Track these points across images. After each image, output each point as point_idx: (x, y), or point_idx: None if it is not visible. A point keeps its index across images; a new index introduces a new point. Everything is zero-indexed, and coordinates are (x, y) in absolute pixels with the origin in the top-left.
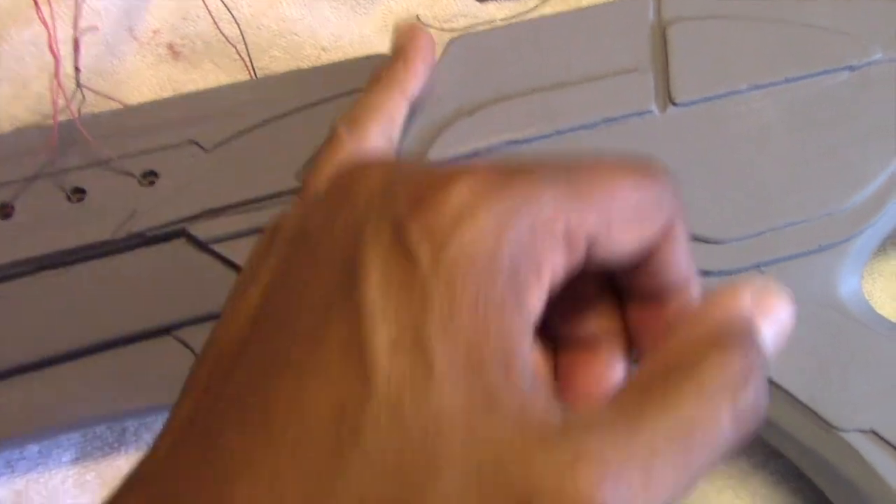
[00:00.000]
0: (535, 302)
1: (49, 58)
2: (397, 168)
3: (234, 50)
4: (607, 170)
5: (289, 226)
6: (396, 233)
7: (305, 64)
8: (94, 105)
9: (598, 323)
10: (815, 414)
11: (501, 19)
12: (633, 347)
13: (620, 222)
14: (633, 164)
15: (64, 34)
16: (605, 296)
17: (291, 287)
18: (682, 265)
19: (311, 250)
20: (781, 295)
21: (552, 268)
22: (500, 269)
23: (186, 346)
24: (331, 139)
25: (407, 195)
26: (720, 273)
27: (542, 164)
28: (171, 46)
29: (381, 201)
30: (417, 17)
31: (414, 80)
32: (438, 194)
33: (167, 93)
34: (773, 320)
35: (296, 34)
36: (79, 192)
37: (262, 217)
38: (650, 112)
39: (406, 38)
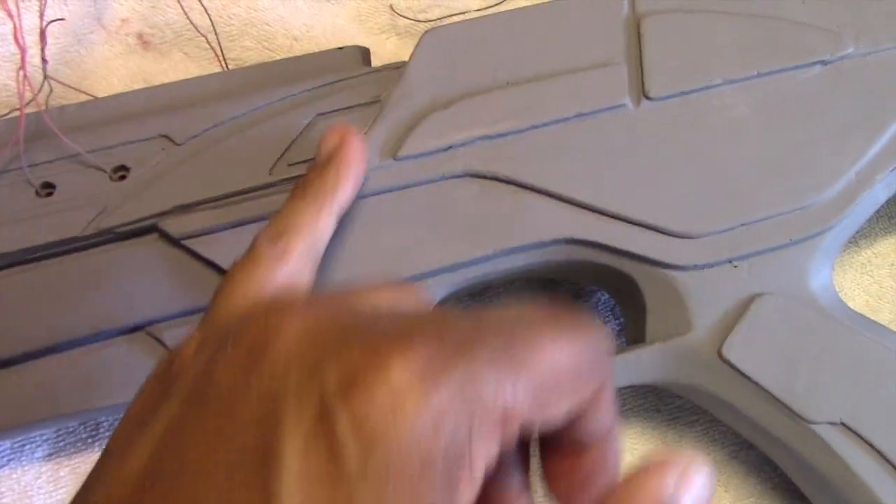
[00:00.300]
0: (469, 498)
1: (13, 48)
2: (322, 320)
3: (204, 40)
4: (549, 339)
5: (191, 370)
6: (322, 418)
7: (277, 54)
8: (62, 97)
9: (517, 479)
10: (786, 406)
11: (476, 10)
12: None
13: (558, 395)
14: (573, 329)
15: (29, 24)
16: (520, 448)
17: (189, 452)
18: (607, 419)
19: (216, 412)
20: (703, 469)
21: (487, 458)
22: (434, 472)
23: (160, 342)
24: (251, 253)
25: (337, 372)
26: (694, 267)
27: (483, 333)
28: (140, 36)
29: (306, 372)
30: (391, 7)
31: (345, 193)
32: (371, 376)
33: (137, 84)
34: (694, 496)
35: (267, 24)
36: (48, 187)
37: (236, 212)
38: (624, 106)
39: (336, 143)
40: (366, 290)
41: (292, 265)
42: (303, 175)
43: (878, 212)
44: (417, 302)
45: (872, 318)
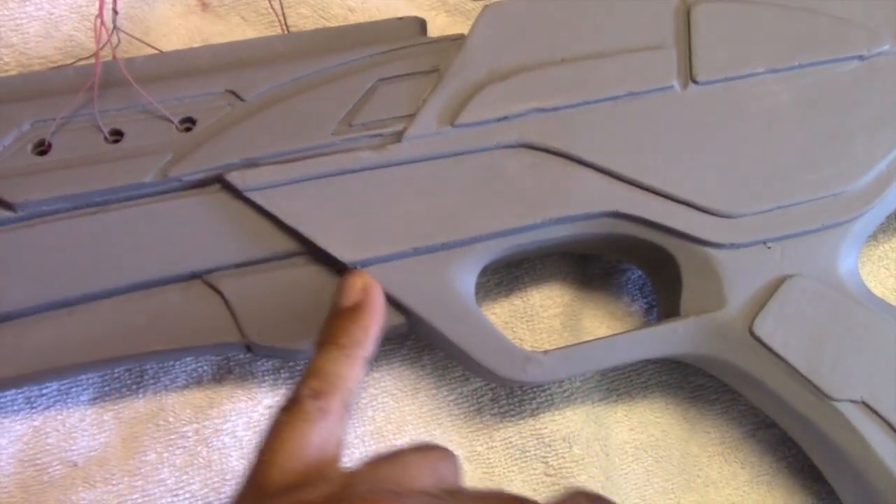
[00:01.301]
0: None
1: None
2: None
3: (262, 5)
4: None
5: None
6: None
7: (333, 23)
8: (127, 50)
9: None
10: (810, 383)
11: None
12: None
13: None
14: None
15: None
16: None
17: None
18: None
19: None
20: None
21: None
22: None
23: (217, 290)
24: (295, 408)
25: None
26: (730, 246)
27: None
28: None
29: None
30: None
31: (373, 343)
32: None
33: (195, 43)
34: None
35: None
36: (116, 134)
37: (298, 169)
38: (672, 88)
39: (359, 294)
40: (407, 463)
41: (331, 421)
42: (332, 319)
43: None
44: (454, 470)
45: None
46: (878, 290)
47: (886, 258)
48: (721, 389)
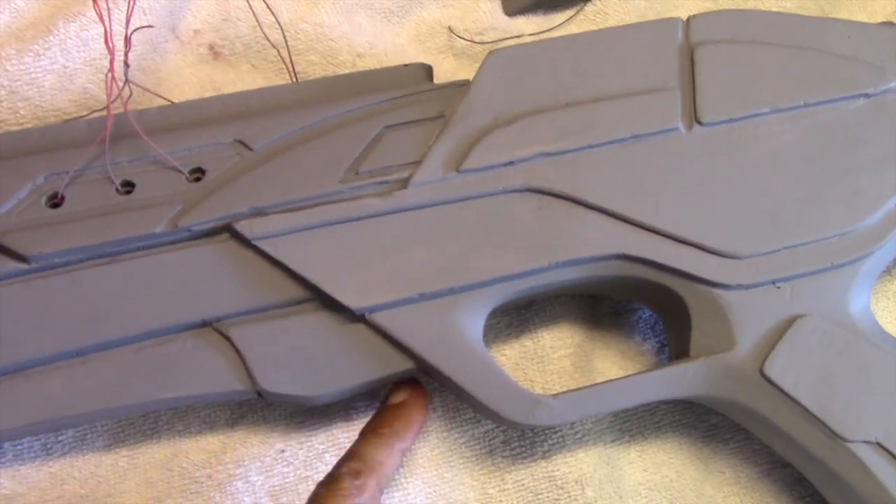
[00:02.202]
0: None
1: (94, 54)
2: None
3: (271, 53)
4: None
5: None
6: None
7: (341, 69)
8: (139, 101)
9: None
10: (823, 424)
11: (530, 34)
12: None
13: None
14: None
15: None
16: None
17: None
18: None
19: None
20: None
21: None
22: None
23: (227, 338)
24: (335, 485)
25: None
26: (738, 287)
27: None
28: (211, 47)
29: None
30: (450, 29)
31: (412, 438)
32: None
33: (207, 92)
34: None
35: (332, 40)
36: (128, 186)
37: (306, 217)
38: (677, 130)
39: (405, 394)
40: None
41: (365, 499)
42: (378, 413)
43: None
44: None
45: None
46: (895, 326)
47: None
48: (735, 429)
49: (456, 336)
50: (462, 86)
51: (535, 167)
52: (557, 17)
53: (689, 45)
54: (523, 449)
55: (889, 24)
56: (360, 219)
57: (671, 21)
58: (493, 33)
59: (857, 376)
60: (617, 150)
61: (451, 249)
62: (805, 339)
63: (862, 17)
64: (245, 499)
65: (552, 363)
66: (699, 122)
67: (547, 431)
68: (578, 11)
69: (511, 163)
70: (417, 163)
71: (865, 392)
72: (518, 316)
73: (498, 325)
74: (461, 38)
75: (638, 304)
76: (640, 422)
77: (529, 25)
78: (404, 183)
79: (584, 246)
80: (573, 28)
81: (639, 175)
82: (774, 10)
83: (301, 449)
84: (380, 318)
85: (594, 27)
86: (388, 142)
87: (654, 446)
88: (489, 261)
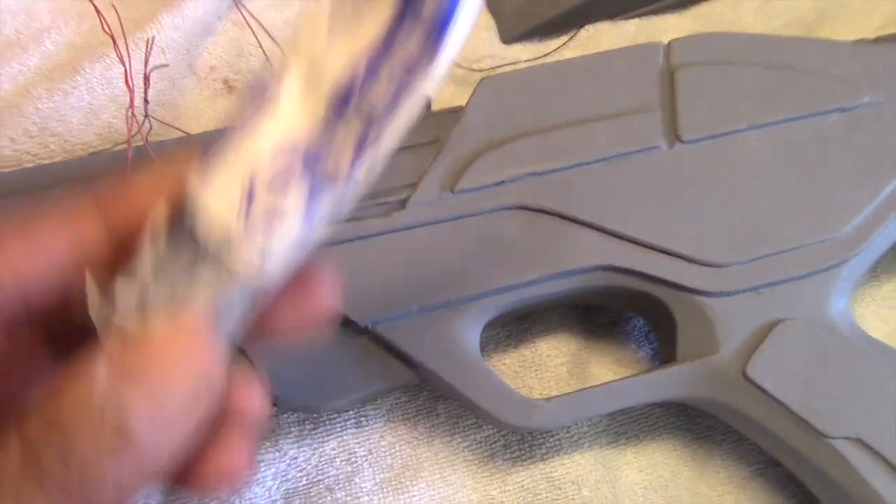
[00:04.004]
0: None
1: (116, 91)
2: None
3: None
4: None
5: None
6: None
7: None
8: (159, 134)
9: None
10: (805, 422)
11: (526, 60)
12: None
13: None
14: None
15: (132, 68)
16: None
17: None
18: None
19: None
20: None
21: None
22: None
23: (241, 350)
24: None
25: None
26: (721, 294)
27: None
28: (226, 81)
29: None
30: None
31: None
32: None
33: (222, 123)
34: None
35: None
36: None
37: None
38: (659, 148)
39: None
40: None
41: None
42: None
43: None
44: None
45: (895, 347)
46: (883, 330)
47: (891, 298)
48: (728, 430)
49: (455, 345)
50: (456, 112)
51: (525, 186)
52: (552, 43)
53: (669, 68)
54: (522, 452)
55: (863, 41)
56: (362, 238)
57: (652, 45)
58: (490, 60)
59: (837, 376)
60: (602, 167)
61: (448, 264)
62: (786, 341)
63: (846, 35)
64: (260, 503)
65: (549, 371)
66: (680, 140)
67: (545, 435)
68: (572, 37)
69: (502, 182)
70: (415, 184)
71: (846, 391)
72: (516, 327)
73: (497, 336)
74: (460, 66)
75: (630, 313)
76: (635, 425)
77: (525, 52)
78: (403, 204)
79: (573, 258)
80: (568, 53)
81: (624, 191)
82: (761, 30)
83: (314, 455)
84: (383, 330)
85: (588, 51)
86: (387, 165)
87: (649, 448)
88: (484, 274)
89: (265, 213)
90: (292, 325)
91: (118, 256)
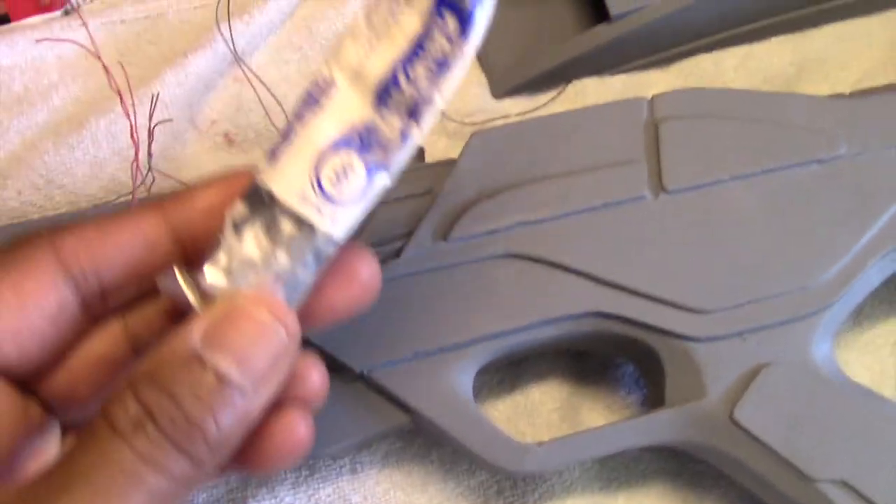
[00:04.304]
0: None
1: (121, 145)
2: None
3: None
4: None
5: None
6: None
7: None
8: (161, 186)
9: None
10: (791, 465)
11: (516, 114)
12: None
13: None
14: None
15: (137, 123)
16: None
17: None
18: None
19: None
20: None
21: None
22: None
23: None
24: None
25: None
26: (707, 339)
27: None
28: (226, 135)
29: None
30: (442, 113)
31: None
32: None
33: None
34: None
35: None
36: None
37: None
38: (644, 198)
39: None
40: None
41: None
42: None
43: (878, 295)
44: None
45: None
46: (866, 376)
47: (872, 344)
48: (719, 475)
49: (448, 391)
50: (449, 164)
51: (515, 235)
52: (542, 98)
53: (653, 122)
54: (515, 498)
55: (839, 95)
56: None
57: (637, 100)
58: (481, 115)
59: (821, 419)
60: (590, 217)
61: (441, 311)
62: (772, 385)
63: (825, 89)
64: None
65: (541, 416)
66: (665, 190)
67: (537, 480)
68: (560, 92)
69: (494, 231)
70: (409, 234)
71: (831, 434)
72: (509, 372)
73: (490, 382)
74: (452, 120)
75: (620, 358)
76: (626, 470)
77: (515, 106)
78: (398, 253)
79: (563, 305)
80: (556, 107)
81: (611, 239)
82: (743, 85)
83: (309, 501)
84: (378, 376)
85: (575, 106)
86: (381, 217)
87: (640, 493)
88: (476, 321)
89: (334, 176)
90: (339, 304)
91: (182, 252)
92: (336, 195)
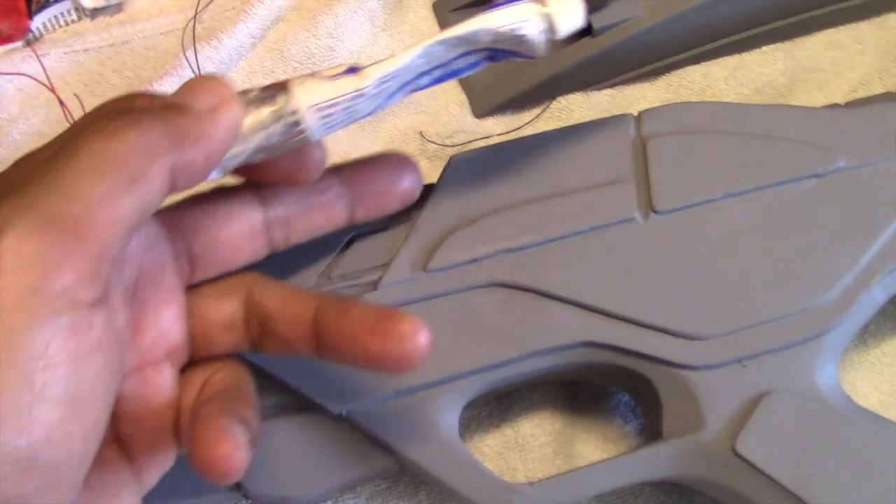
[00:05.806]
0: None
1: None
2: None
3: None
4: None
5: None
6: None
7: None
8: None
9: None
10: (798, 498)
11: (498, 134)
12: None
13: None
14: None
15: None
16: None
17: None
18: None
19: None
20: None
21: None
22: None
23: None
24: None
25: None
26: (705, 367)
27: None
28: None
29: None
30: (421, 134)
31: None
32: None
33: None
34: None
35: None
36: None
37: None
38: (634, 220)
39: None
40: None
41: None
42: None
43: (884, 313)
44: None
45: (885, 414)
46: (874, 397)
47: (879, 363)
48: None
49: (432, 430)
50: (427, 189)
51: (498, 263)
52: (525, 116)
53: (641, 139)
54: None
55: (835, 106)
56: None
57: (623, 117)
58: (462, 135)
59: (828, 449)
60: (577, 241)
61: None
62: (775, 414)
63: (819, 99)
64: None
65: (533, 451)
66: (655, 211)
67: None
68: (544, 110)
69: (475, 260)
70: (386, 265)
71: (837, 463)
72: (498, 405)
73: (479, 415)
74: (432, 142)
75: (614, 388)
76: None
77: (498, 126)
78: (374, 285)
79: (551, 335)
80: (541, 125)
81: (600, 264)
82: (733, 97)
83: None
84: (358, 418)
85: (561, 123)
86: (357, 247)
87: None
88: (459, 355)
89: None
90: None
91: None
92: (327, 95)
